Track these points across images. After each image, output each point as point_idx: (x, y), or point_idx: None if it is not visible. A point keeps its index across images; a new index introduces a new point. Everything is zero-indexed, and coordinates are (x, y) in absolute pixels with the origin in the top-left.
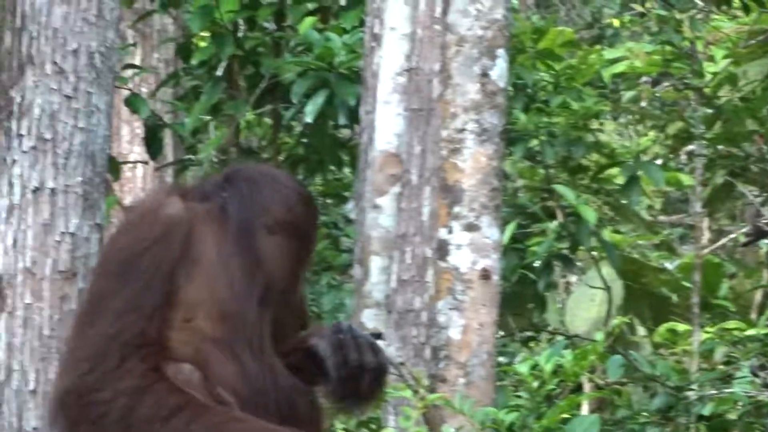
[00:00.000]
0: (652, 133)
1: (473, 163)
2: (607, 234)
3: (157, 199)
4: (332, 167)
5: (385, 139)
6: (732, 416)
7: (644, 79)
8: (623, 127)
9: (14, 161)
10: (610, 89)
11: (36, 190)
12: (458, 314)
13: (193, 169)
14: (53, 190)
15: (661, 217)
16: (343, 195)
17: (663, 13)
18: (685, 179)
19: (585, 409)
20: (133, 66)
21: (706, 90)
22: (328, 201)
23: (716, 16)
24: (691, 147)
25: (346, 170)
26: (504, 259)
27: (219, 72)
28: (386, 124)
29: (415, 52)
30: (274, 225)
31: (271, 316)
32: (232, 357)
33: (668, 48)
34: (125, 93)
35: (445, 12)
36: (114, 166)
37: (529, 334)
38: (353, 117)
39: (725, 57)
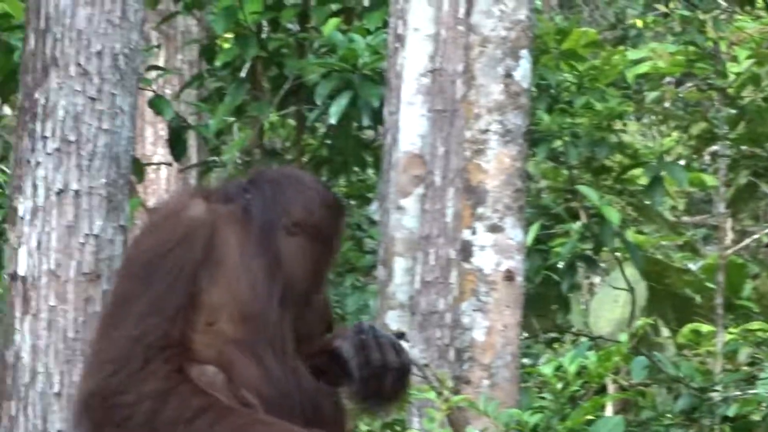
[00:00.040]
0: (675, 134)
1: (497, 164)
2: (630, 235)
3: (180, 201)
4: (356, 168)
5: (409, 141)
6: (756, 417)
7: (668, 79)
8: (647, 128)
9: (38, 163)
10: (633, 90)
11: (60, 192)
12: (482, 316)
13: (217, 170)
14: (77, 192)
15: (685, 218)
16: (366, 196)
17: (686, 13)
18: (709, 180)
19: (609, 410)
20: (157, 67)
21: (730, 90)
22: (352, 202)
23: (740, 17)
24: (714, 147)
25: (370, 171)
26: (528, 261)
27: (243, 73)
28: (410, 125)
29: (439, 53)
30: (294, 226)
31: (294, 318)
32: (254, 359)
33: (691, 48)
34: (149, 94)
35: (468, 13)
36: (138, 168)
37: (553, 335)
38: (377, 118)
39: (749, 57)
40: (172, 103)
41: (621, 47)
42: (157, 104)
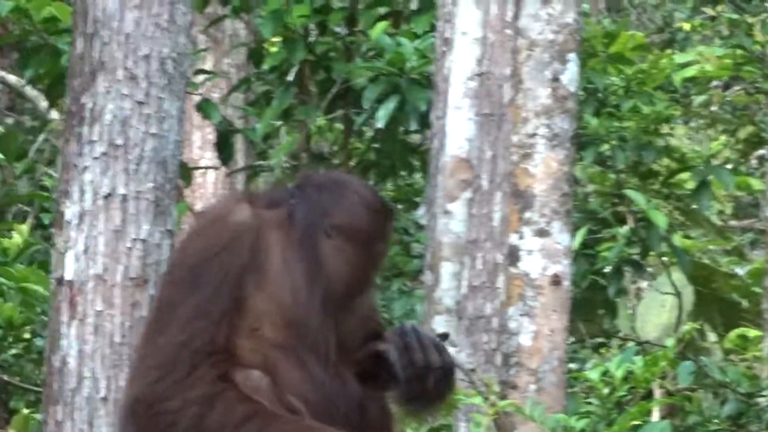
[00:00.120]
0: (722, 138)
1: (544, 168)
2: (677, 239)
3: (225, 206)
4: (403, 173)
5: (456, 144)
6: None
7: (715, 83)
8: (694, 132)
9: (85, 167)
10: (680, 93)
11: (107, 197)
12: (529, 320)
13: (264, 174)
14: (124, 197)
15: (732, 222)
16: (413, 200)
17: (734, 16)
18: (756, 183)
19: (655, 415)
20: (204, 71)
21: None
22: (399, 206)
23: None
24: (761, 151)
25: (417, 176)
26: (574, 265)
27: (290, 77)
28: (457, 129)
29: (486, 56)
30: (334, 229)
31: (337, 323)
32: (299, 364)
33: (739, 52)
34: (197, 98)
35: (516, 16)
36: (185, 172)
37: (599, 340)
38: (424, 122)
39: None
40: (220, 107)
41: (668, 51)
42: (204, 108)
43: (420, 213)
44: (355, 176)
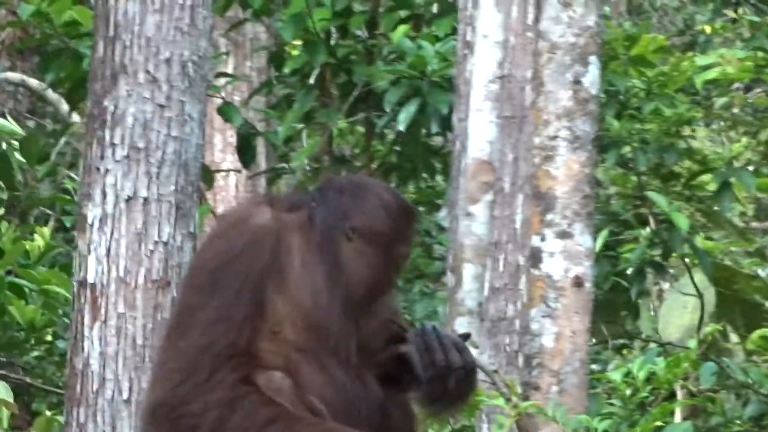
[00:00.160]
0: (744, 140)
1: (566, 170)
2: (699, 241)
3: (246, 209)
4: (425, 175)
5: (478, 147)
6: None
7: (736, 85)
8: (715, 134)
9: (107, 170)
10: (702, 96)
11: (129, 200)
12: (551, 322)
13: (286, 177)
14: (146, 199)
15: (754, 224)
16: (435, 203)
17: (755, 19)
18: None
19: (678, 416)
20: (225, 74)
21: None
22: (421, 209)
23: None
24: None
25: (439, 178)
26: (596, 267)
27: (311, 80)
28: (479, 131)
29: (508, 59)
30: (353, 232)
31: (358, 326)
32: (320, 367)
33: (760, 54)
34: (218, 101)
35: (537, 19)
36: (207, 175)
37: (622, 341)
38: (446, 125)
39: None
40: (241, 110)
41: (690, 53)
42: (225, 111)
43: (442, 215)
44: (377, 179)
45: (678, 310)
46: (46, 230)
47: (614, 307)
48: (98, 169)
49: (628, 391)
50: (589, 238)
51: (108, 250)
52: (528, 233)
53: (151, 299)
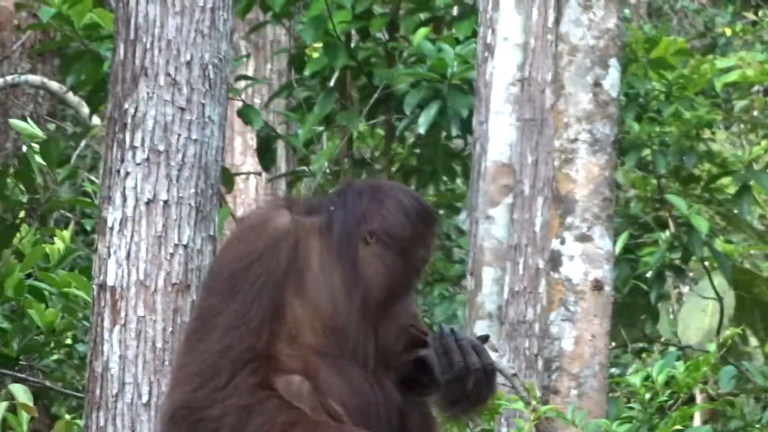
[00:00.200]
0: (763, 142)
1: (586, 173)
2: (719, 244)
3: (265, 212)
4: (445, 178)
5: (498, 150)
6: None
7: (756, 88)
8: (735, 137)
9: (127, 173)
10: (722, 98)
11: (149, 202)
12: (570, 325)
13: (306, 180)
14: (166, 202)
15: None
16: (455, 206)
17: None
18: None
19: (697, 420)
20: (246, 77)
21: None
22: (441, 212)
23: None
24: None
25: (459, 181)
26: (616, 270)
27: (332, 83)
28: (499, 134)
29: (528, 62)
30: (371, 235)
31: (376, 329)
32: (338, 370)
33: None
34: (238, 104)
35: (557, 22)
36: (227, 178)
37: (641, 345)
38: (466, 127)
39: None
40: (261, 112)
41: (710, 56)
42: (246, 114)
43: (461, 218)
44: (397, 182)
45: (697, 313)
46: (66, 233)
47: (634, 311)
48: (118, 171)
49: (647, 395)
50: (609, 242)
51: (128, 253)
52: (547, 236)
53: (171, 302)
